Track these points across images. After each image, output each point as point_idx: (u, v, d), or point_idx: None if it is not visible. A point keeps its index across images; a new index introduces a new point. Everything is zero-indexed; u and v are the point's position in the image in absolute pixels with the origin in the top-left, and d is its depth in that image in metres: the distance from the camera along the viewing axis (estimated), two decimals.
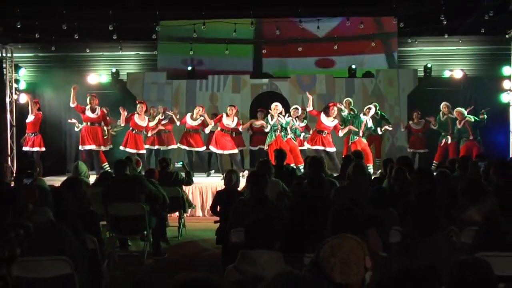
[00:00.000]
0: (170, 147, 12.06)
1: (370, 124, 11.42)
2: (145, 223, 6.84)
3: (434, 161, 12.04)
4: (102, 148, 11.44)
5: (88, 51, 14.08)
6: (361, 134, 11.27)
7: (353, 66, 14.17)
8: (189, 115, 11.59)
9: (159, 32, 13.88)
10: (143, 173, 8.47)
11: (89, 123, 11.34)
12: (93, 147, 11.27)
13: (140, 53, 14.97)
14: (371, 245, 3.62)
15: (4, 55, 13.11)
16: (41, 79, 14.47)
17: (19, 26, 12.24)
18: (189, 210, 9.33)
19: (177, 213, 8.75)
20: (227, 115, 11.17)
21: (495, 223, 4.05)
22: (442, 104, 12.02)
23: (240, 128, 11.53)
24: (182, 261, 7.27)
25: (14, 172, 11.15)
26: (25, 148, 11.99)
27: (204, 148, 11.67)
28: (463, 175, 6.89)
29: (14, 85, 13.22)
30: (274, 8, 13.40)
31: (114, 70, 14.23)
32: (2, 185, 6.47)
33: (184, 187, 8.81)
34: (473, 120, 11.65)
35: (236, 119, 11.28)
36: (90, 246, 4.59)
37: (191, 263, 7.08)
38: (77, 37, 13.07)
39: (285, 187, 6.47)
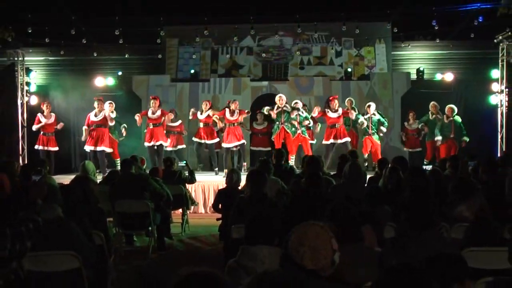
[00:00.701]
0: (179, 147, 12.21)
1: (361, 119, 11.65)
2: (150, 219, 6.85)
3: (425, 160, 12.09)
4: (107, 149, 11.42)
5: (95, 54, 14.08)
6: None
7: (349, 69, 14.18)
8: (198, 112, 11.66)
9: (163, 36, 13.87)
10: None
11: (94, 126, 11.35)
12: (100, 148, 11.31)
13: (145, 56, 14.96)
14: (367, 240, 3.62)
15: (16, 59, 13.12)
16: (50, 81, 14.47)
17: (30, 31, 12.25)
18: (192, 207, 9.33)
19: (180, 210, 8.75)
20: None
21: (484, 219, 4.05)
22: (431, 104, 12.08)
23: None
24: (185, 256, 7.26)
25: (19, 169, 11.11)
26: (40, 147, 11.97)
27: (216, 140, 11.67)
28: (453, 173, 6.89)
29: (25, 88, 13.24)
30: (273, 13, 13.40)
31: (120, 73, 14.23)
32: (14, 183, 6.48)
33: (187, 185, 8.81)
34: (459, 122, 11.66)
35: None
36: (97, 241, 4.60)
37: (193, 258, 7.07)
38: (85, 42, 13.07)
39: (283, 185, 6.47)
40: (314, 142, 11.98)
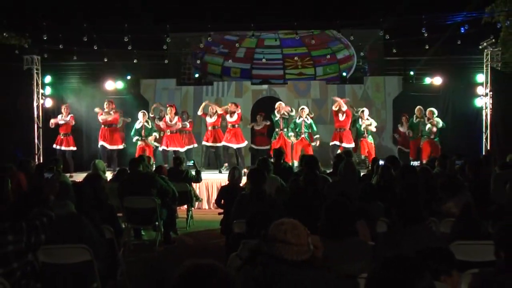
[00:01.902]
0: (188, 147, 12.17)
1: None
2: (156, 215, 6.84)
3: (410, 157, 12.12)
4: (119, 147, 11.50)
5: (105, 60, 14.06)
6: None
7: (344, 74, 14.17)
8: (208, 117, 11.64)
9: (169, 43, 13.87)
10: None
11: (106, 126, 11.49)
12: (113, 146, 11.40)
13: (152, 61, 14.94)
14: (361, 235, 3.61)
15: (32, 64, 13.13)
16: (64, 85, 14.46)
17: (45, 38, 12.24)
18: (196, 203, 9.32)
19: (185, 206, 8.73)
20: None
21: (468, 214, 4.04)
22: (417, 108, 12.15)
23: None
24: (190, 249, 7.26)
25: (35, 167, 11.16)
26: (58, 147, 11.99)
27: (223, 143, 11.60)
28: (442, 172, 6.88)
29: (41, 91, 13.24)
30: (272, 21, 13.37)
31: (129, 77, 14.22)
32: (30, 180, 6.48)
33: (193, 183, 8.80)
34: (441, 124, 11.69)
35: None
36: (108, 235, 4.58)
37: (198, 251, 7.07)
38: (96, 48, 13.07)
39: (282, 183, 6.45)
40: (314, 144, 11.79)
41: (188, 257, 1.85)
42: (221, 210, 6.51)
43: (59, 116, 12.06)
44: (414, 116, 12.17)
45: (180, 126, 11.61)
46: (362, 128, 11.77)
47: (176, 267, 1.78)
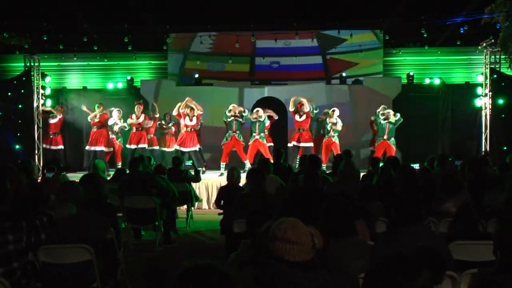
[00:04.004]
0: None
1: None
2: (156, 214, 6.84)
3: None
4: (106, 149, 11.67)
5: (106, 60, 14.07)
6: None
7: (344, 74, 14.16)
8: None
9: (169, 43, 13.88)
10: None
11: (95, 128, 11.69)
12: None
13: (152, 62, 14.95)
14: (360, 234, 3.62)
15: (32, 64, 13.15)
16: (64, 86, 14.47)
17: (45, 38, 12.26)
18: (196, 203, 9.32)
19: (185, 206, 8.74)
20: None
21: (468, 214, 4.05)
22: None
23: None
24: (189, 249, 7.26)
25: (41, 168, 11.22)
26: (47, 146, 12.14)
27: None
28: (441, 172, 6.88)
29: (41, 91, 13.26)
30: (272, 21, 13.37)
31: (129, 77, 14.24)
32: (31, 180, 6.48)
33: (192, 183, 8.81)
34: (393, 122, 11.47)
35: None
36: (108, 235, 4.58)
37: (197, 251, 7.08)
38: (96, 48, 13.07)
39: (282, 183, 6.46)
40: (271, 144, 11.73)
41: (188, 257, 1.86)
42: (221, 211, 6.52)
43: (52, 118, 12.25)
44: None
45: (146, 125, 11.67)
46: (328, 127, 11.70)
47: (176, 267, 1.78)
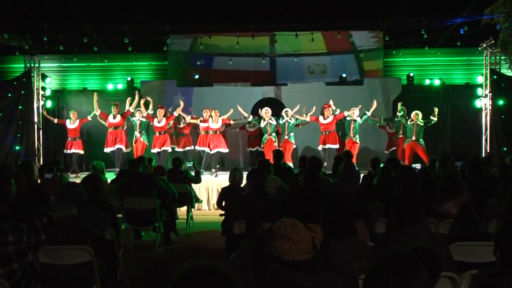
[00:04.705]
0: (187, 148, 12.23)
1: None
2: (156, 215, 6.84)
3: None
4: (124, 149, 11.56)
5: (106, 61, 14.08)
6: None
7: (343, 75, 14.16)
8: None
9: (169, 44, 13.89)
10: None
11: (113, 128, 11.66)
12: (114, 148, 11.51)
13: (153, 63, 14.95)
14: (360, 235, 3.61)
15: (32, 65, 13.16)
16: (64, 87, 14.48)
17: (45, 40, 12.25)
18: (196, 204, 9.32)
19: (185, 207, 8.74)
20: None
21: (469, 215, 4.05)
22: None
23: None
24: (190, 250, 7.26)
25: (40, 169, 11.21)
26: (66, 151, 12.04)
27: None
28: (442, 172, 6.88)
29: (41, 92, 13.26)
30: (272, 22, 13.38)
31: (129, 78, 14.25)
32: (31, 181, 6.48)
33: (192, 184, 8.80)
34: (422, 123, 11.57)
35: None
36: (108, 236, 4.58)
37: (198, 252, 7.07)
38: (96, 49, 13.08)
39: (282, 184, 6.46)
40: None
41: (188, 258, 1.86)
42: (223, 212, 6.52)
43: (68, 121, 12.09)
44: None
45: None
46: (349, 119, 11.75)
47: (176, 268, 1.78)
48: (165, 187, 7.12)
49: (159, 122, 11.57)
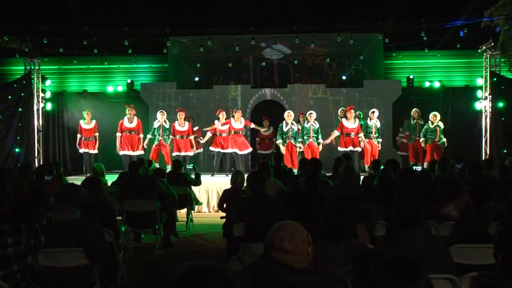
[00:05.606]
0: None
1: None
2: (156, 218, 6.83)
3: (410, 161, 12.22)
4: (137, 152, 11.51)
5: (106, 64, 14.10)
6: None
7: (344, 77, 14.17)
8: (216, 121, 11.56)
9: (169, 47, 13.91)
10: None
11: (127, 132, 11.57)
12: (130, 152, 11.49)
13: (153, 65, 14.97)
14: (360, 237, 3.61)
15: (32, 67, 13.17)
16: (64, 89, 14.49)
17: (45, 42, 12.28)
18: (196, 206, 9.31)
19: (185, 209, 8.73)
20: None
21: (470, 217, 4.04)
22: (413, 110, 12.26)
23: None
24: (189, 252, 7.26)
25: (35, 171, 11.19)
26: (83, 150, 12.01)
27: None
28: (442, 175, 6.88)
29: (41, 95, 13.27)
30: (272, 24, 13.40)
31: (129, 81, 14.26)
32: (30, 183, 6.47)
33: (192, 186, 8.79)
34: (442, 126, 11.79)
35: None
36: (107, 238, 4.57)
37: (198, 254, 7.06)
38: (96, 52, 13.10)
39: (282, 186, 6.45)
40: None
41: (188, 261, 1.85)
42: (223, 214, 6.51)
43: (82, 121, 12.09)
44: (411, 118, 12.25)
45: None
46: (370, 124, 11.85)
47: (175, 268, 1.78)
48: (165, 189, 7.12)
49: (180, 125, 11.48)
